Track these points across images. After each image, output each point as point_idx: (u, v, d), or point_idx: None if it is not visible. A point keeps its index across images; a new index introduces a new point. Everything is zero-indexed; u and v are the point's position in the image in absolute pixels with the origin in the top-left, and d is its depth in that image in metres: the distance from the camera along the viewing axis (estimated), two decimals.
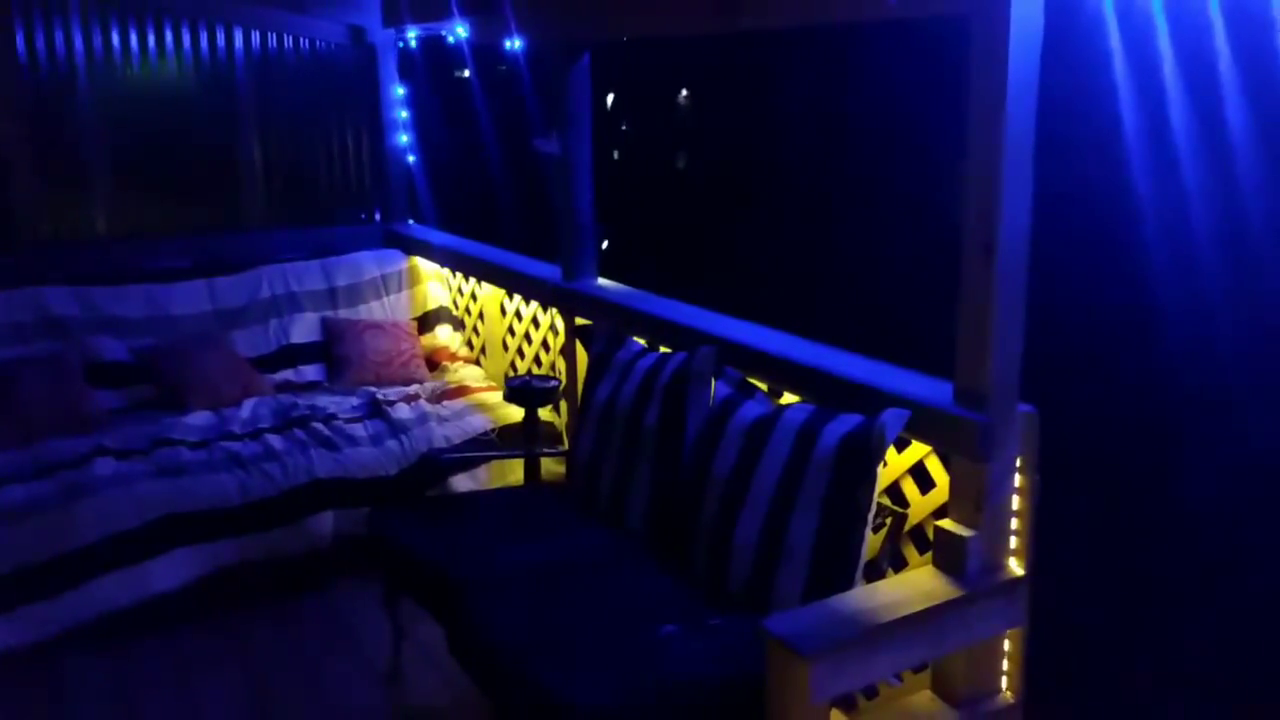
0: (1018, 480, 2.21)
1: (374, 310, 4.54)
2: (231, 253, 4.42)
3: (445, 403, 3.96)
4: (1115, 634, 3.51)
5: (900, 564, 2.45)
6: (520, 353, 4.22)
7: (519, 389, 3.39)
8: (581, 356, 3.56)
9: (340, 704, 2.92)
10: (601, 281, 3.63)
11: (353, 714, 2.88)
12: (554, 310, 3.84)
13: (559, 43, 3.46)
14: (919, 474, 2.41)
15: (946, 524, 2.21)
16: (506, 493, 3.51)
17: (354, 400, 3.95)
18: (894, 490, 2.46)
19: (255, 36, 4.56)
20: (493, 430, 3.81)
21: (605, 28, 3.31)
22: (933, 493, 2.36)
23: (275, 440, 3.56)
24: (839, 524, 2.21)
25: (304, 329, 4.37)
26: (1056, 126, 2.26)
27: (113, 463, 3.34)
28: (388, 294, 4.59)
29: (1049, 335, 2.44)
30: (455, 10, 3.96)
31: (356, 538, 3.42)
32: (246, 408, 3.86)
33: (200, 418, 3.74)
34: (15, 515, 3.05)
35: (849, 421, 2.28)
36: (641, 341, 3.13)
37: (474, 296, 4.52)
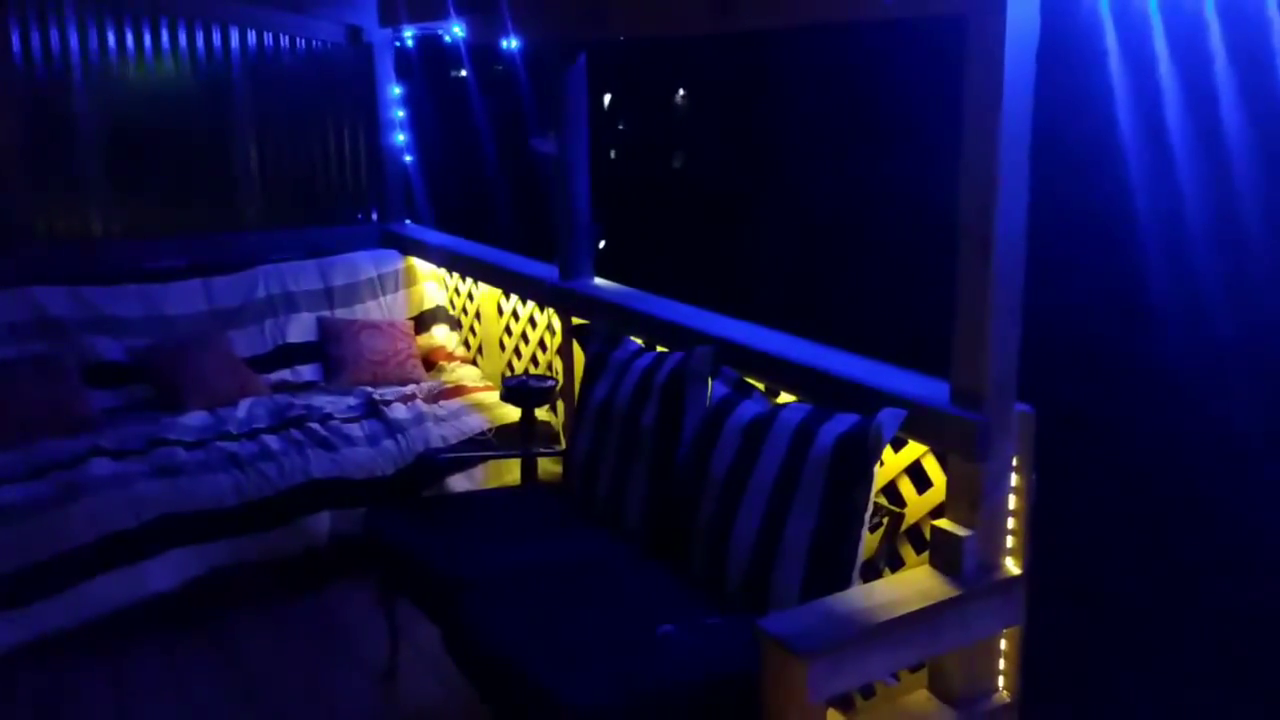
0: (1014, 480, 2.21)
1: (370, 310, 4.53)
2: (228, 253, 4.41)
3: (442, 402, 3.95)
4: (1112, 633, 3.52)
5: (897, 563, 2.45)
6: (517, 352, 4.21)
7: (516, 389, 3.39)
8: (578, 356, 3.55)
9: (336, 704, 2.91)
10: (598, 281, 3.63)
11: (349, 714, 2.88)
12: (551, 310, 3.84)
13: (556, 43, 3.46)
14: (916, 473, 2.41)
15: (943, 523, 2.21)
16: (503, 493, 3.51)
17: (350, 400, 3.94)
18: (891, 490, 2.46)
19: (252, 36, 4.55)
20: (489, 430, 3.81)
21: (601, 28, 3.30)
22: (929, 492, 2.36)
23: (272, 440, 3.55)
24: (836, 523, 2.21)
25: (300, 329, 4.36)
26: (1053, 126, 2.26)
27: (109, 463, 3.33)
28: (384, 294, 4.59)
29: (1046, 335, 2.44)
30: (452, 10, 3.96)
31: (353, 538, 3.41)
32: (243, 408, 3.85)
33: (196, 418, 3.74)
34: (11, 515, 3.04)
35: (846, 421, 2.28)
36: (638, 341, 3.13)
37: (471, 296, 4.51)
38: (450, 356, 4.48)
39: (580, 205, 3.59)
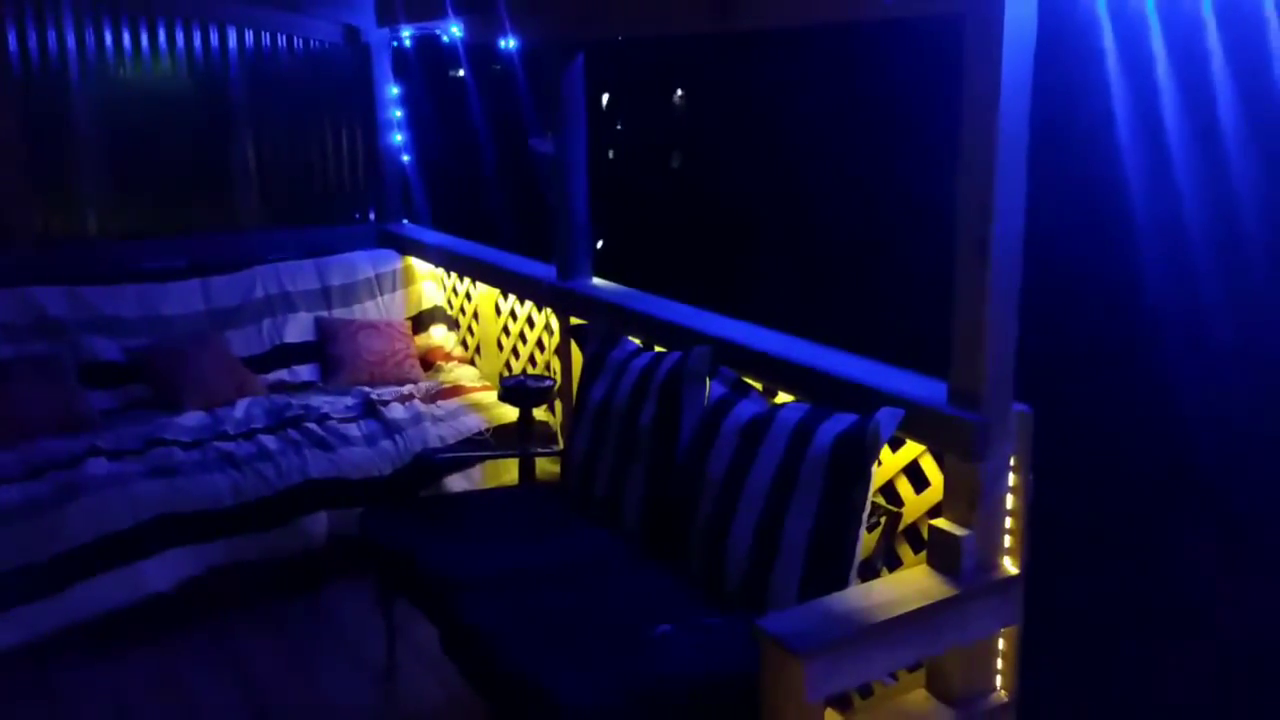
0: (1012, 479, 2.21)
1: (368, 310, 4.53)
2: (225, 252, 4.41)
3: (440, 402, 3.95)
4: (1110, 633, 3.52)
5: (895, 563, 2.46)
6: (515, 352, 4.21)
7: (514, 389, 3.39)
8: (576, 356, 3.55)
9: (334, 704, 2.91)
10: (596, 281, 3.63)
11: (347, 714, 2.88)
12: (549, 310, 3.84)
13: (554, 42, 3.46)
14: (914, 473, 2.41)
15: (941, 523, 2.22)
16: (501, 493, 3.50)
17: (348, 400, 3.94)
18: (888, 489, 2.46)
19: (249, 35, 4.55)
20: (487, 430, 3.81)
21: (599, 27, 3.30)
22: (927, 492, 2.36)
23: (269, 440, 3.55)
24: (834, 523, 2.21)
25: (298, 329, 4.36)
26: (1051, 125, 2.26)
27: (106, 463, 3.33)
28: (382, 294, 4.59)
29: (1043, 334, 2.44)
30: (449, 10, 3.96)
31: (350, 538, 3.40)
32: (240, 408, 3.85)
33: (194, 418, 3.73)
34: (8, 515, 3.04)
35: (844, 421, 2.28)
36: (636, 341, 3.13)
37: (469, 296, 4.51)
38: (448, 356, 4.48)
39: (578, 205, 3.59)
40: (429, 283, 4.69)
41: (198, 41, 4.44)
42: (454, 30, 4.03)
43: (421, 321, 4.60)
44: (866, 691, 2.46)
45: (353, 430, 3.68)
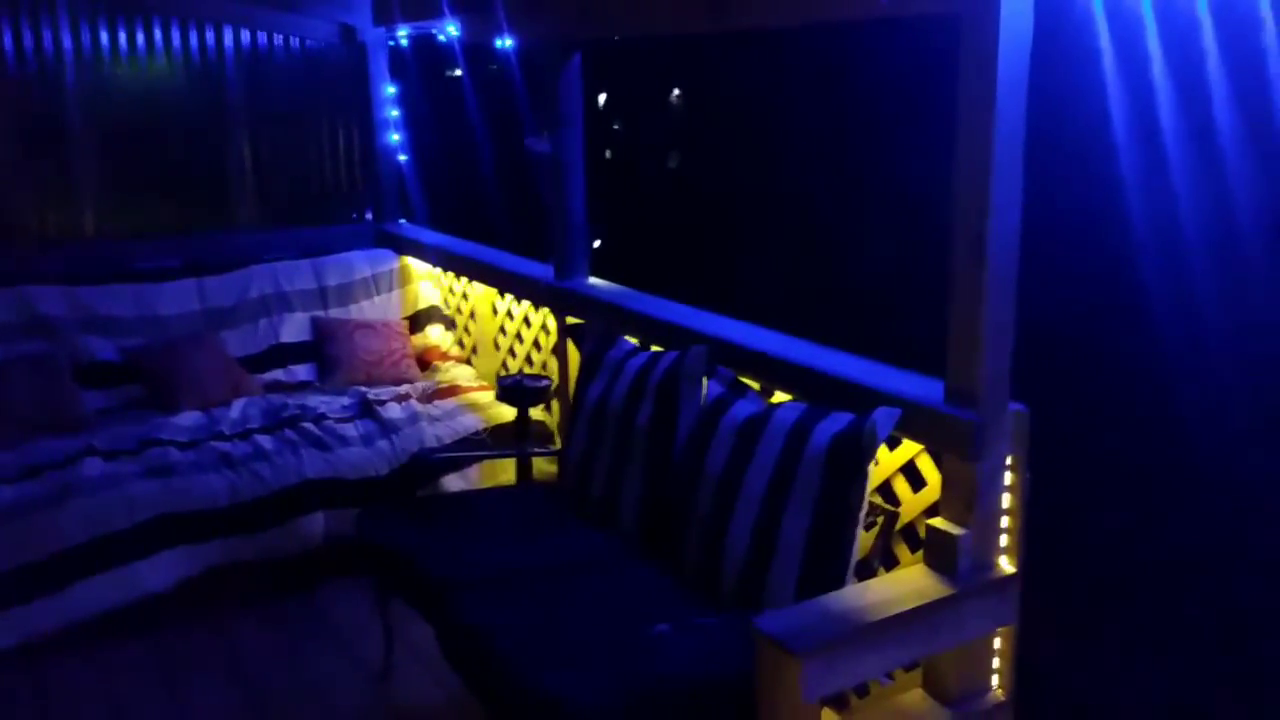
0: (1008, 478, 2.21)
1: (365, 310, 4.53)
2: (221, 252, 4.40)
3: (436, 402, 3.95)
4: (1107, 632, 3.52)
5: (892, 562, 2.46)
6: (512, 352, 4.21)
7: (510, 388, 3.39)
8: (573, 356, 3.55)
9: (331, 705, 2.91)
10: (593, 281, 3.63)
11: (344, 715, 2.87)
12: (546, 309, 3.84)
13: (550, 42, 3.46)
14: (910, 472, 2.41)
15: (938, 522, 2.22)
16: (498, 493, 3.50)
17: (344, 400, 3.93)
18: (885, 489, 2.47)
19: (245, 35, 4.54)
20: (484, 430, 3.80)
21: (596, 27, 3.30)
22: (924, 491, 2.36)
23: (265, 440, 3.54)
24: (831, 522, 2.21)
25: (294, 329, 4.35)
26: (1047, 125, 2.27)
27: (101, 463, 3.32)
28: (378, 293, 4.58)
29: (1040, 334, 2.44)
30: (446, 9, 3.95)
31: (347, 538, 3.40)
32: (236, 408, 3.84)
33: (189, 418, 3.73)
34: (4, 516, 3.04)
35: (840, 420, 2.28)
36: (633, 341, 3.13)
37: (465, 296, 4.51)
38: (445, 356, 4.47)
39: (575, 205, 3.58)
40: (426, 282, 4.69)
41: (194, 41, 4.43)
42: (450, 29, 4.02)
43: (418, 321, 4.59)
44: (863, 691, 2.46)
45: (349, 430, 3.67)
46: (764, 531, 2.31)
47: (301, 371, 4.28)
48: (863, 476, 2.21)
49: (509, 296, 4.14)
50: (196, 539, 3.25)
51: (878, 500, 2.44)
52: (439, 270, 4.64)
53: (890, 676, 2.38)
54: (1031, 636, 2.28)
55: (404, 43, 4.72)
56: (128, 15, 4.27)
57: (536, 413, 3.71)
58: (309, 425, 3.65)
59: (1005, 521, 2.23)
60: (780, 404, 2.50)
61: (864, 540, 2.34)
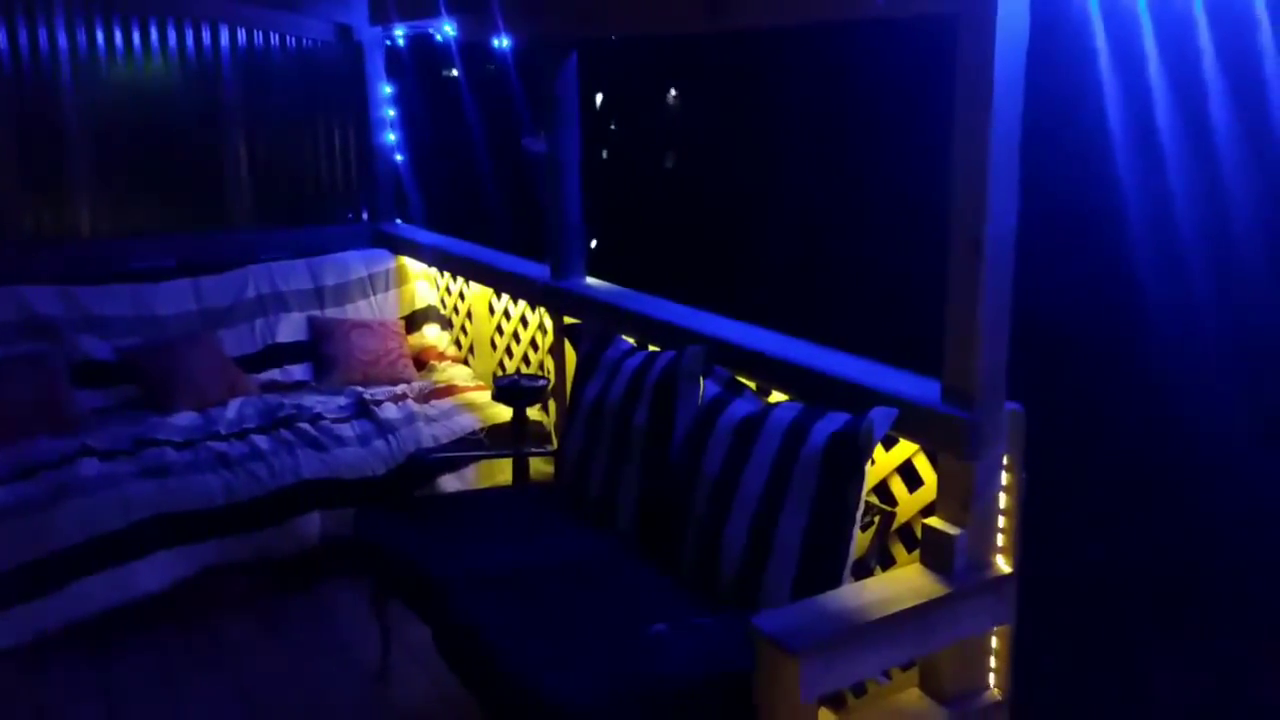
0: (1005, 478, 2.21)
1: (361, 309, 4.52)
2: (217, 252, 4.39)
3: (433, 402, 3.94)
4: (1103, 631, 3.53)
5: (888, 562, 2.46)
6: (508, 352, 4.21)
7: (507, 388, 3.38)
8: (570, 355, 3.55)
9: (328, 705, 2.90)
10: (590, 280, 3.62)
11: (340, 714, 2.87)
12: (542, 309, 3.84)
13: (547, 41, 3.45)
14: (907, 472, 2.42)
15: (934, 522, 2.22)
16: (495, 493, 3.50)
17: (341, 400, 3.93)
18: (882, 488, 2.47)
19: (241, 34, 4.53)
20: (481, 430, 3.80)
21: (593, 27, 3.30)
22: (920, 491, 2.37)
23: (261, 440, 3.54)
24: (827, 522, 2.21)
25: (290, 328, 4.35)
26: (1043, 125, 2.27)
27: (97, 463, 3.31)
28: (375, 293, 4.58)
29: (1036, 333, 2.45)
30: (442, 8, 3.95)
31: (344, 538, 3.40)
32: (232, 408, 3.84)
33: (186, 418, 3.72)
34: None
35: (837, 420, 2.28)
36: (630, 340, 3.13)
37: (462, 295, 4.50)
38: (441, 356, 4.47)
39: (571, 204, 3.58)
40: (422, 282, 4.69)
41: (190, 40, 4.42)
42: (447, 29, 4.02)
43: (415, 321, 4.59)
44: (860, 690, 2.46)
45: (346, 430, 3.67)
46: (761, 531, 2.31)
47: (298, 371, 4.28)
48: (859, 476, 2.21)
49: (505, 296, 4.14)
50: (192, 539, 3.25)
51: (874, 500, 2.44)
52: (435, 270, 4.63)
53: (887, 676, 2.39)
54: (1028, 636, 2.28)
55: (400, 42, 4.72)
56: (124, 14, 4.26)
57: (533, 413, 3.70)
58: (305, 425, 3.65)
59: (1001, 521, 2.23)
60: (777, 404, 2.50)
61: (861, 540, 2.34)
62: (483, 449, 3.72)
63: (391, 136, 4.87)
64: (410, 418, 3.78)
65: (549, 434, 3.83)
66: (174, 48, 4.40)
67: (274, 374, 4.22)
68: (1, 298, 3.84)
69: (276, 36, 4.61)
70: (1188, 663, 3.30)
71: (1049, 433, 2.33)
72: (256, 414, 3.78)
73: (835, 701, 2.29)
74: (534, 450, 3.51)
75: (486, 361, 4.33)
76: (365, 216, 4.95)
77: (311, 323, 4.38)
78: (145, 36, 4.33)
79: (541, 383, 3.42)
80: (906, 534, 2.43)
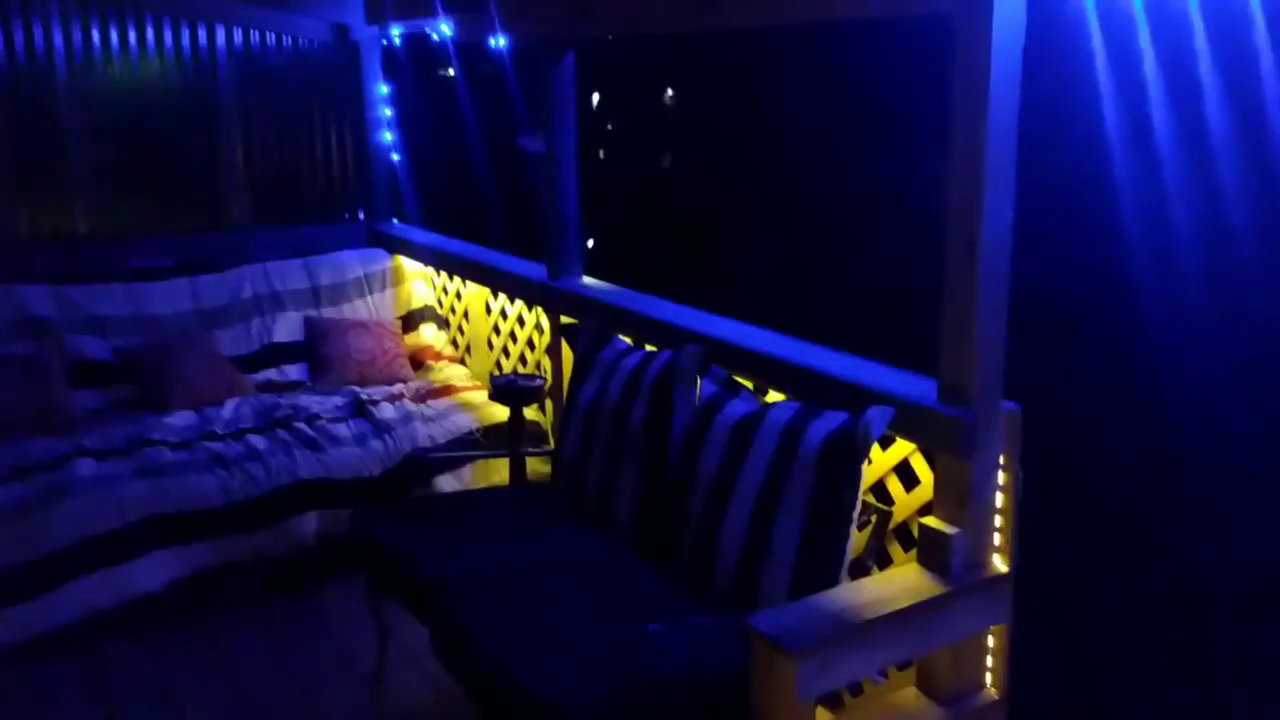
0: (1001, 477, 2.21)
1: (358, 309, 4.52)
2: (213, 252, 4.39)
3: (430, 402, 3.94)
4: (1100, 630, 3.53)
5: (885, 561, 2.46)
6: (505, 352, 4.21)
7: (504, 388, 3.38)
8: (567, 355, 3.55)
9: (325, 705, 2.90)
10: (587, 280, 3.62)
11: (336, 714, 2.87)
12: (539, 309, 3.83)
13: (544, 41, 3.45)
14: (903, 471, 2.42)
15: (931, 521, 2.22)
16: (492, 492, 3.50)
17: (337, 400, 3.92)
18: (879, 488, 2.47)
19: (237, 34, 4.53)
20: (478, 430, 3.80)
21: (590, 26, 3.30)
22: (917, 490, 2.37)
23: (258, 441, 3.53)
24: (824, 522, 2.21)
25: (287, 328, 4.34)
26: (1039, 125, 2.27)
27: (93, 463, 3.31)
28: (371, 293, 4.57)
29: (1033, 332, 2.45)
30: (439, 8, 3.95)
31: (340, 539, 3.40)
32: (229, 408, 3.83)
33: (182, 418, 3.72)
34: None
35: (834, 419, 2.28)
36: (627, 340, 3.13)
37: (459, 295, 4.50)
38: (438, 356, 4.47)
39: (568, 204, 3.58)
40: (419, 282, 4.68)
41: (185, 39, 4.42)
42: (444, 28, 4.02)
43: (411, 321, 4.59)
44: (857, 690, 2.46)
45: (342, 430, 3.66)
46: (758, 531, 2.31)
47: (294, 371, 4.27)
48: (856, 475, 2.21)
49: (502, 296, 4.14)
50: (188, 539, 3.24)
51: (871, 499, 2.44)
52: (432, 270, 4.63)
53: (884, 675, 2.39)
54: (1025, 635, 2.28)
55: (397, 42, 4.71)
56: (119, 13, 4.25)
57: (530, 412, 3.70)
58: (302, 425, 3.64)
59: (998, 520, 2.23)
60: (774, 403, 2.50)
61: (857, 539, 2.34)
62: (479, 449, 3.72)
63: (388, 136, 4.87)
64: (407, 418, 3.77)
65: (546, 434, 3.83)
66: (170, 47, 4.39)
67: (270, 374, 4.22)
68: None
69: (273, 36, 4.60)
70: (1186, 662, 3.31)
71: (1046, 431, 2.33)
72: (253, 414, 3.77)
73: (832, 701, 2.29)
74: (531, 450, 3.51)
75: (483, 361, 4.33)
76: (361, 216, 4.95)
77: (308, 322, 4.38)
78: (141, 36, 4.32)
79: (538, 382, 3.42)
80: (903, 533, 2.43)
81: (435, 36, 4.19)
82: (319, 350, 4.28)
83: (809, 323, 2.92)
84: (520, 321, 4.06)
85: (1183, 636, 3.47)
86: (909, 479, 2.41)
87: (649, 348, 3.03)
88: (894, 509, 2.42)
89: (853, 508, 2.22)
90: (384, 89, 4.82)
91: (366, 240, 4.79)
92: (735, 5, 2.66)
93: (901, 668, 2.35)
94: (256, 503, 3.35)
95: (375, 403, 3.86)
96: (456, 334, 4.56)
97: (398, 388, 4.08)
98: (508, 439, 3.47)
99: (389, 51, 4.81)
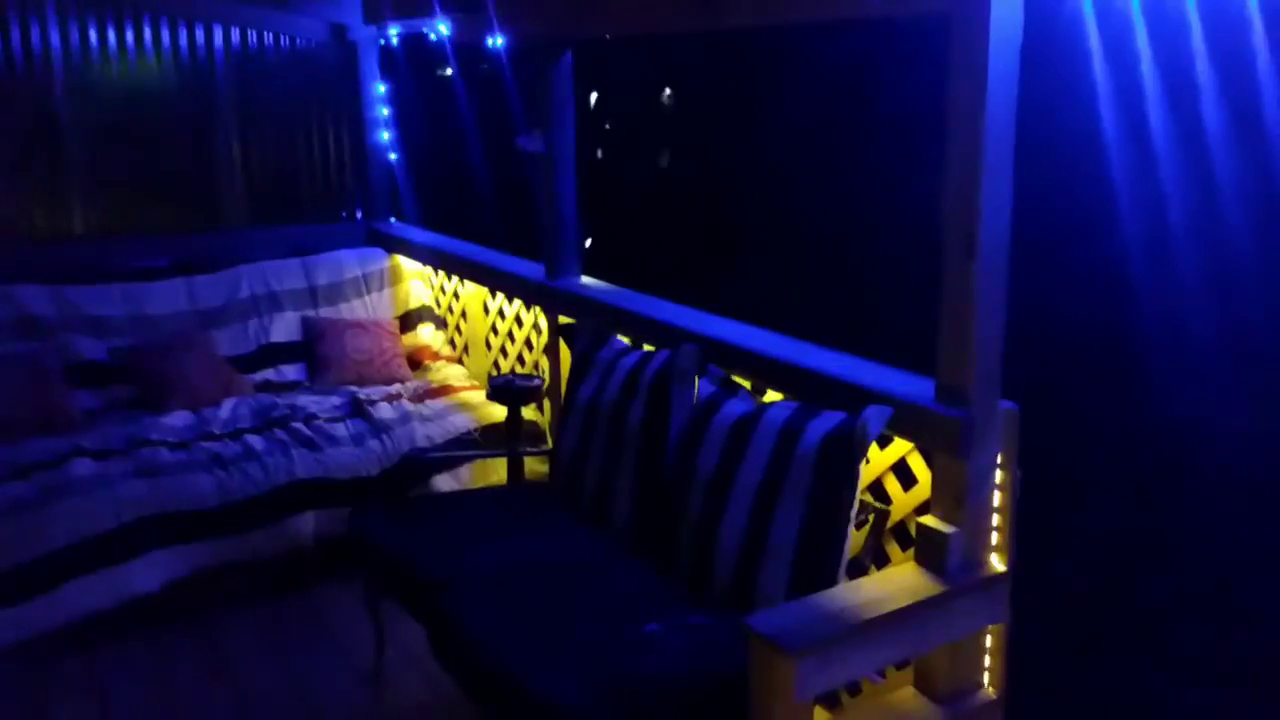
0: (999, 477, 2.22)
1: (355, 309, 4.51)
2: (211, 252, 4.38)
3: (427, 402, 3.94)
4: (1097, 629, 3.54)
5: (883, 561, 2.46)
6: (503, 351, 4.20)
7: (502, 388, 3.38)
8: (565, 355, 3.55)
9: (322, 705, 2.90)
10: (585, 280, 3.62)
11: (334, 714, 2.86)
12: (537, 309, 3.83)
13: (541, 40, 3.45)
14: (901, 471, 2.42)
15: (928, 520, 2.22)
16: (489, 492, 3.50)
17: (335, 400, 3.92)
18: (876, 487, 2.47)
19: (235, 34, 4.52)
20: (475, 429, 3.80)
21: (587, 26, 3.30)
22: (915, 489, 2.37)
23: (255, 441, 3.53)
24: (822, 521, 2.21)
25: (284, 328, 4.34)
26: (1037, 125, 2.27)
27: (90, 463, 3.30)
28: (369, 293, 4.57)
29: (1030, 332, 2.45)
30: (437, 7, 3.94)
31: (338, 539, 3.39)
32: (226, 408, 3.83)
33: (179, 418, 3.71)
34: None
35: (832, 419, 2.28)
36: (625, 340, 3.13)
37: (456, 295, 4.50)
38: (436, 355, 4.46)
39: (566, 204, 3.58)
40: (416, 281, 4.68)
41: (183, 39, 4.41)
42: (441, 28, 4.01)
43: (409, 320, 4.58)
44: (855, 689, 2.46)
45: (340, 430, 3.66)
46: (755, 530, 2.31)
47: (292, 371, 4.27)
48: (854, 475, 2.21)
49: (500, 296, 4.14)
50: (186, 539, 3.24)
51: (869, 499, 2.44)
52: (430, 269, 4.63)
53: (882, 674, 2.39)
54: (1022, 634, 2.28)
55: (394, 41, 4.71)
56: (117, 13, 4.25)
57: (528, 412, 3.70)
58: (299, 425, 3.64)
59: (996, 519, 2.23)
60: (772, 403, 2.50)
61: (855, 539, 2.34)
62: (477, 449, 3.72)
63: (386, 135, 4.86)
64: (404, 417, 3.77)
65: (543, 434, 3.83)
66: (168, 47, 4.39)
67: (268, 374, 4.21)
68: None
69: (270, 35, 4.60)
70: (1183, 662, 3.31)
71: (1043, 431, 2.33)
72: (250, 414, 3.77)
73: (830, 700, 2.29)
74: (528, 450, 3.51)
75: (481, 361, 4.33)
76: (359, 215, 4.94)
77: (305, 322, 4.38)
78: (139, 36, 4.32)
79: (536, 382, 3.42)
80: (901, 533, 2.44)
81: (433, 36, 4.18)
82: (316, 350, 4.28)
83: (807, 322, 2.92)
84: (518, 321, 4.06)
85: (1181, 636, 3.47)
86: (907, 478, 2.41)
87: (647, 347, 3.03)
88: (892, 508, 2.42)
89: (850, 507, 2.22)
90: (381, 88, 4.81)
91: (364, 240, 4.79)
92: (732, 5, 2.66)
93: (899, 667, 2.35)
94: (254, 503, 3.34)
95: (373, 403, 3.86)
96: (454, 334, 4.56)
97: (395, 388, 4.08)
98: (505, 439, 3.47)
99: (386, 51, 4.81)
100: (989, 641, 2.29)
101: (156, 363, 3.92)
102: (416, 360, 4.44)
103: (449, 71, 6.17)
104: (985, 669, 2.30)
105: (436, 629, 2.44)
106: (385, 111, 4.84)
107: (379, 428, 3.68)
